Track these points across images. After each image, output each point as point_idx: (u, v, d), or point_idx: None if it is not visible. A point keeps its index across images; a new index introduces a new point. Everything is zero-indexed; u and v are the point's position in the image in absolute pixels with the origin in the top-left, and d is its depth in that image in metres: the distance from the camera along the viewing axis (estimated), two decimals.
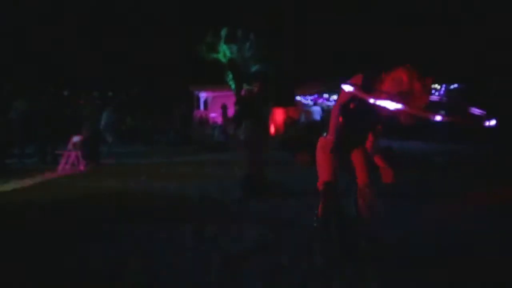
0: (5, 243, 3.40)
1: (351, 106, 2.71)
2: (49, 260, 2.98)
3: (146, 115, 16.09)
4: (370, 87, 2.51)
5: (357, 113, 2.72)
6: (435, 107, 2.71)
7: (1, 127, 7.85)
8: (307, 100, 19.09)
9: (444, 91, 13.92)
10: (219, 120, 18.14)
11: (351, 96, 2.64)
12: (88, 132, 7.92)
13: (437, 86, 13.95)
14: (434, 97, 2.85)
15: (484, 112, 2.49)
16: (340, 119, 2.77)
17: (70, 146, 7.87)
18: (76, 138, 7.87)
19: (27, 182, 6.26)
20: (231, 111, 17.40)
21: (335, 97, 19.02)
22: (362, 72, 2.66)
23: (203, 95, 22.23)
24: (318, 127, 10.61)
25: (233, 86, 17.19)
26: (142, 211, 4.40)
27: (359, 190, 2.84)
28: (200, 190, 5.33)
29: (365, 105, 2.49)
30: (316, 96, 19.12)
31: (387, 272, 2.63)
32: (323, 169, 2.83)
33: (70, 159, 7.51)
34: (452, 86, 13.74)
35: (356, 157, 2.90)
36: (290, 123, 13.02)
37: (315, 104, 17.89)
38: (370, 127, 2.99)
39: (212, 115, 20.31)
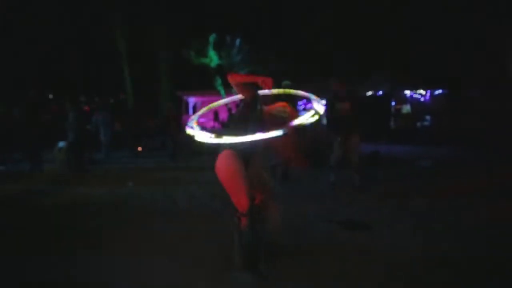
0: None
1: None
2: (36, 269, 2.91)
3: (134, 119, 15.89)
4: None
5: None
6: None
7: None
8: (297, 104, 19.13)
9: (429, 97, 14.21)
10: (209, 125, 18.10)
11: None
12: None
13: (422, 91, 14.23)
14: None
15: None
16: None
17: (55, 151, 7.74)
18: (61, 144, 7.73)
19: (10, 188, 6.12)
20: (222, 116, 17.40)
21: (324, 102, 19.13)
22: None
23: (192, 100, 22.18)
24: (306, 132, 10.61)
25: (222, 92, 17.21)
26: (128, 218, 4.33)
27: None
28: (188, 196, 5.29)
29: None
30: (304, 101, 19.22)
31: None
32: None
33: None
34: (436, 92, 14.04)
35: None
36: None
37: (304, 108, 17.97)
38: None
39: (201, 120, 20.24)
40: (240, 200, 2.52)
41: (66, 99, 9.02)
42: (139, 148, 12.73)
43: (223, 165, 2.57)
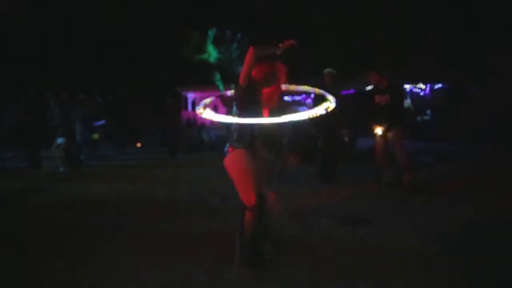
0: None
1: None
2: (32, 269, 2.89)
3: (134, 116, 15.85)
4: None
5: None
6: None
7: None
8: (296, 100, 19.09)
9: (429, 91, 14.18)
10: (207, 121, 18.05)
11: None
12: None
13: (422, 86, 14.19)
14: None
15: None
16: None
17: (54, 148, 7.70)
18: (60, 140, 7.69)
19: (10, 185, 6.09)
20: (221, 111, 17.37)
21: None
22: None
23: (190, 96, 22.11)
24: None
25: (221, 87, 17.17)
26: (127, 216, 4.31)
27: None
28: (188, 193, 5.28)
29: None
30: (304, 96, 19.17)
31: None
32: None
33: None
34: (436, 86, 14.01)
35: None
36: None
37: (303, 104, 17.91)
38: None
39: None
40: (248, 195, 2.56)
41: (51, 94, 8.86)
42: (138, 144, 12.69)
43: (234, 160, 2.63)
